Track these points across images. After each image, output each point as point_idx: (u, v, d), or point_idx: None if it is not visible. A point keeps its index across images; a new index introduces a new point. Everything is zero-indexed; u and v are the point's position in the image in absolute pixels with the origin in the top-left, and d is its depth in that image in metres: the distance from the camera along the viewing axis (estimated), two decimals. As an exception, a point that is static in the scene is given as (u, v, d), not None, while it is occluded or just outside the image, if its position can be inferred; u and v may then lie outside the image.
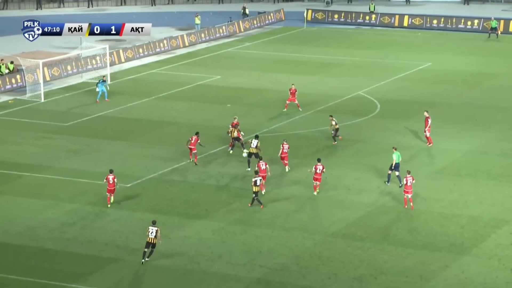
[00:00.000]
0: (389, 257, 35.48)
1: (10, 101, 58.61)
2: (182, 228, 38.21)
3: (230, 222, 38.72)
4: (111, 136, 50.90)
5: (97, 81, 59.16)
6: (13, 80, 61.50)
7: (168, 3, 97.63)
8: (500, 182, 43.46)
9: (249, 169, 44.61)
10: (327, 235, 37.48)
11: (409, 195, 40.09)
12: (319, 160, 42.22)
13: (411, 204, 40.26)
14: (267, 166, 42.28)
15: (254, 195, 40.27)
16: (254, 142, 44.76)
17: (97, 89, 58.06)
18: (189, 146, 45.84)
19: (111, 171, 41.17)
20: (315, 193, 41.90)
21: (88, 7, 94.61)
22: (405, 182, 40.06)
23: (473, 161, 46.55)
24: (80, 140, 50.27)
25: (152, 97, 58.82)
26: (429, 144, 48.45)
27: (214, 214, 39.75)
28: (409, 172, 40.39)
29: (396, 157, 42.94)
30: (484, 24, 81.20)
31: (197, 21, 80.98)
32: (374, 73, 65.53)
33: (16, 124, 53.62)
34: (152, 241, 34.81)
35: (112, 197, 40.78)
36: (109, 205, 40.72)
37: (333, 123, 48.55)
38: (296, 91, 55.06)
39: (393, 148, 43.66)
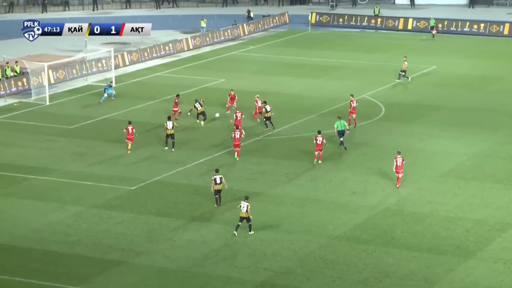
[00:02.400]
0: (394, 260, 35.46)
1: (15, 104, 58.69)
2: (186, 231, 38.22)
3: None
4: (116, 139, 50.93)
5: (105, 86, 59.42)
6: (19, 83, 61.59)
7: (173, 7, 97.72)
8: (505, 186, 43.40)
9: (167, 148, 48.48)
10: (331, 238, 37.46)
11: (400, 175, 42.57)
12: (319, 132, 45.99)
13: (398, 185, 42.74)
14: (242, 136, 46.81)
15: (216, 194, 40.37)
16: (169, 124, 48.23)
17: (105, 94, 58.35)
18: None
19: (129, 122, 48.17)
20: (315, 162, 45.79)
21: (93, 10, 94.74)
22: (395, 163, 42.67)
23: (478, 164, 46.50)
24: (85, 143, 50.33)
25: (157, 100, 58.85)
26: (354, 125, 52.06)
27: (218, 217, 39.75)
28: (399, 153, 43.00)
29: (338, 125, 47.60)
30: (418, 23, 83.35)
31: (203, 24, 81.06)
32: (379, 76, 65.52)
33: (21, 127, 53.68)
34: (245, 215, 37.21)
35: (130, 145, 47.79)
36: (128, 151, 47.82)
37: (267, 108, 51.51)
38: (235, 96, 55.34)
39: (338, 117, 48.47)
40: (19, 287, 33.46)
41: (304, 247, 36.62)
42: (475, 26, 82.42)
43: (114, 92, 59.17)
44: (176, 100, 53.74)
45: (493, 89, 62.35)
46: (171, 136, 48.34)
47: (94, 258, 35.61)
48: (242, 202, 37.52)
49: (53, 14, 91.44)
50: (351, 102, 52.10)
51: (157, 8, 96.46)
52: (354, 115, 52.02)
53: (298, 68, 68.69)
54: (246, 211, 37.32)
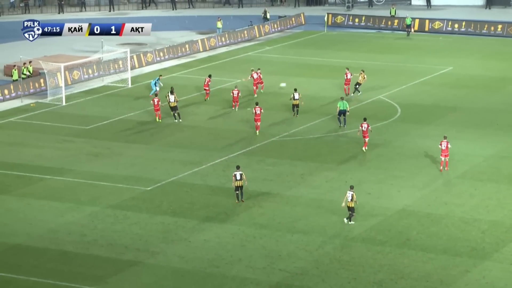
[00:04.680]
0: (409, 261, 35.38)
1: (32, 105, 58.92)
2: (202, 232, 38.26)
3: (249, 226, 38.74)
4: (132, 140, 51.08)
5: (154, 80, 60.18)
6: (36, 84, 61.82)
7: (189, 7, 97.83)
8: (521, 187, 43.25)
9: (176, 120, 53.42)
10: (347, 239, 37.42)
11: (446, 158, 44.88)
12: (365, 119, 48.01)
13: (447, 168, 44.95)
14: (262, 111, 50.66)
15: (236, 190, 40.81)
16: (171, 97, 53.23)
17: (157, 87, 59.05)
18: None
19: (156, 95, 54.13)
20: (364, 149, 47.86)
21: (110, 11, 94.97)
22: (440, 147, 44.88)
23: (494, 165, 46.33)
24: (101, 143, 50.47)
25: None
26: (346, 94, 58.43)
27: (233, 217, 39.79)
28: (445, 137, 45.14)
29: (340, 105, 51.87)
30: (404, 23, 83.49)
31: (219, 25, 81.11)
32: (395, 77, 65.40)
33: (37, 127, 53.88)
34: (350, 205, 38.42)
35: (158, 114, 53.23)
36: (159, 120, 53.35)
37: (296, 96, 54.71)
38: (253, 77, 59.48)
39: (341, 97, 53.13)
40: (35, 287, 33.59)
41: (320, 248, 36.59)
42: (492, 28, 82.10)
43: (158, 89, 59.16)
44: (208, 81, 58.06)
45: (510, 90, 62.06)
46: (174, 108, 53.16)
47: (109, 259, 35.70)
48: (348, 191, 38.57)
49: (70, 15, 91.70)
50: (346, 74, 58.57)
51: (173, 9, 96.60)
52: (347, 86, 58.50)
53: (314, 69, 68.63)
54: (351, 200, 38.24)
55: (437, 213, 40.07)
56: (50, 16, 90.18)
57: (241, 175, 40.67)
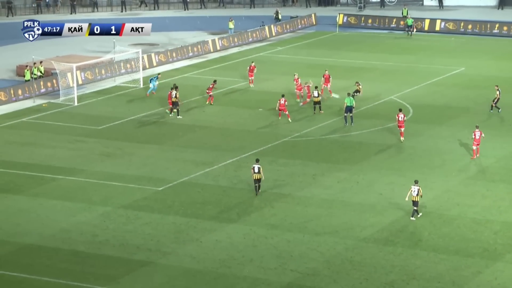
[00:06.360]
0: (421, 262, 35.32)
1: (44, 105, 59.06)
2: (213, 232, 38.29)
3: (261, 226, 38.75)
4: (144, 140, 51.15)
5: (152, 77, 60.36)
6: (49, 84, 61.97)
7: (201, 8, 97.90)
8: (534, 188, 43.12)
9: (171, 115, 54.71)
10: (358, 240, 37.38)
11: (477, 147, 46.33)
12: (400, 110, 49.69)
13: (477, 154, 46.49)
14: (286, 103, 52.97)
15: (255, 182, 41.63)
16: (173, 93, 54.32)
17: (150, 85, 59.53)
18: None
19: (170, 88, 55.16)
20: (402, 139, 49.39)
21: (122, 11, 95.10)
22: (474, 136, 46.28)
23: (506, 166, 46.21)
24: (113, 143, 50.56)
25: (184, 101, 58.92)
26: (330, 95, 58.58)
27: (245, 218, 39.80)
28: (477, 127, 46.63)
29: (347, 101, 52.07)
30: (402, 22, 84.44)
31: (231, 25, 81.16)
32: (407, 78, 65.28)
33: (49, 128, 54.02)
34: (415, 199, 38.97)
35: (171, 107, 54.70)
36: (167, 111, 55.08)
37: (315, 93, 55.21)
38: (255, 68, 61.92)
39: (347, 93, 53.24)
40: (47, 287, 33.68)
41: (331, 248, 36.57)
42: (505, 28, 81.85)
43: (157, 85, 59.45)
44: (212, 85, 57.85)
45: (522, 91, 61.84)
46: (176, 104, 54.31)
47: (121, 259, 35.77)
48: (413, 186, 38.82)
49: (82, 15, 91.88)
50: (328, 78, 58.68)
51: (185, 9, 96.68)
52: (327, 86, 58.55)
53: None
54: (417, 194, 38.69)
55: (449, 214, 40.00)
56: (63, 16, 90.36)
57: (259, 168, 41.26)
